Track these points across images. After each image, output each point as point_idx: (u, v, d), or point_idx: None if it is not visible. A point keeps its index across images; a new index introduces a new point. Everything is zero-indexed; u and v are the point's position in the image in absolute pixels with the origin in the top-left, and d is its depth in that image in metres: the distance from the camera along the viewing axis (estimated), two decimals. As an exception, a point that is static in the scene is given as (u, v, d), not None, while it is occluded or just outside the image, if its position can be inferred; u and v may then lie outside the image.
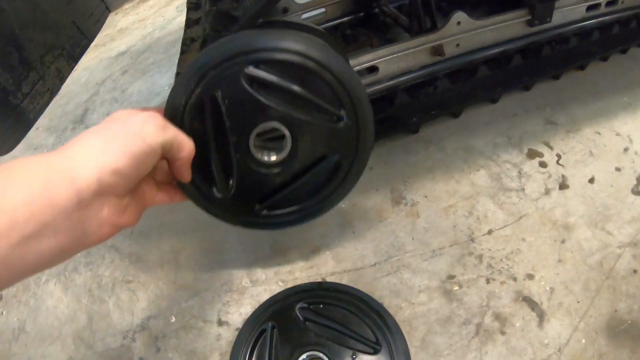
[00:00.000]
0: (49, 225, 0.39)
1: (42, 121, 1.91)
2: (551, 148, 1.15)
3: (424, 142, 1.21)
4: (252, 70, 0.61)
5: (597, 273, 0.90)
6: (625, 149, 1.13)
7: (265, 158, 0.69)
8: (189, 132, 0.60)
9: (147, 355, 0.93)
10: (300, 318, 0.84)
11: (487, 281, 0.90)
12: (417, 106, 1.17)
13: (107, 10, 1.48)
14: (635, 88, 1.32)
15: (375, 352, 0.79)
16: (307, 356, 0.80)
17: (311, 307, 0.86)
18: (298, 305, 0.86)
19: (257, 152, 0.68)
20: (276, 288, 0.95)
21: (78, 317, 1.04)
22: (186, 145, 0.57)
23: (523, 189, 1.06)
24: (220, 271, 1.02)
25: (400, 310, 0.87)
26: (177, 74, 0.94)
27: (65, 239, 0.41)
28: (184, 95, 0.61)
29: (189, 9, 1.27)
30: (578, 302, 0.86)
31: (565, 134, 1.18)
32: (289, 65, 0.62)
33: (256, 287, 0.97)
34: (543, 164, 1.11)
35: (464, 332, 0.84)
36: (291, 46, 0.61)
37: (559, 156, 1.13)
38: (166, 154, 0.55)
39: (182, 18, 2.30)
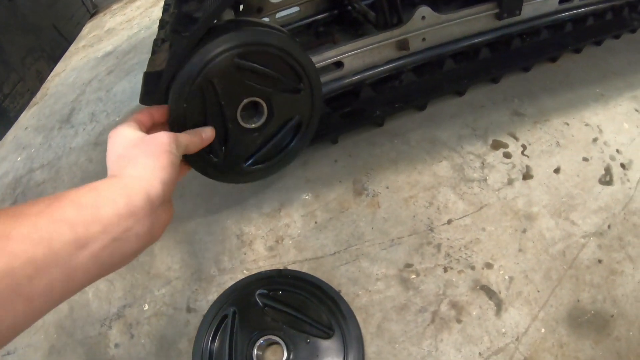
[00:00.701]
0: (132, 229, 0.49)
1: (31, 121, 1.95)
2: (517, 139, 1.15)
3: (389, 134, 1.21)
4: (238, 60, 0.78)
5: (560, 263, 0.90)
6: (595, 140, 1.14)
7: (250, 125, 0.86)
8: (194, 112, 0.78)
9: (122, 341, 0.96)
10: (260, 304, 0.87)
11: (445, 270, 0.91)
12: (382, 99, 1.18)
13: (88, 12, 1.50)
14: (608, 79, 1.33)
15: (328, 336, 0.81)
16: (264, 340, 0.83)
17: (270, 293, 0.89)
18: (258, 292, 0.89)
19: (243, 122, 0.85)
20: (241, 276, 0.98)
21: (60, 307, 1.07)
22: (200, 139, 0.74)
23: (485, 180, 1.07)
24: (191, 261, 1.05)
25: (357, 298, 0.89)
26: (146, 73, 0.96)
27: (142, 240, 0.51)
28: (187, 86, 0.76)
29: (164, 10, 1.29)
30: (538, 291, 0.86)
31: (532, 125, 1.19)
32: (264, 54, 0.80)
33: (223, 275, 0.99)
34: (507, 155, 1.12)
35: (419, 319, 0.85)
36: (267, 40, 0.80)
37: (524, 147, 1.13)
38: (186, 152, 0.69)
39: None
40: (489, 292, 0.87)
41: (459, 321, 0.84)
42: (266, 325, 0.84)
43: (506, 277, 0.89)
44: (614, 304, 0.84)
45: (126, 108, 1.78)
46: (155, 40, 1.10)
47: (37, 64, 1.07)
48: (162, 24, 1.19)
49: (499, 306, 0.85)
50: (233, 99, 0.82)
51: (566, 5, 1.33)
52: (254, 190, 1.15)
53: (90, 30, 2.83)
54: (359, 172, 1.13)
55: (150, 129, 0.71)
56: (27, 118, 2.03)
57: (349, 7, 1.38)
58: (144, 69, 1.93)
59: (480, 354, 0.79)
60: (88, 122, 1.80)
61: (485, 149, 1.13)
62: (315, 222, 1.04)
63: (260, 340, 0.83)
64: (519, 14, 1.24)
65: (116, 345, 0.95)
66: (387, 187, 1.08)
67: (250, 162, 0.92)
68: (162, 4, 2.65)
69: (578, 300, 0.85)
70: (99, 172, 1.49)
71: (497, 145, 1.14)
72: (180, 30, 0.87)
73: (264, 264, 0.99)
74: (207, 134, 0.76)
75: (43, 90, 2.19)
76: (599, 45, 1.44)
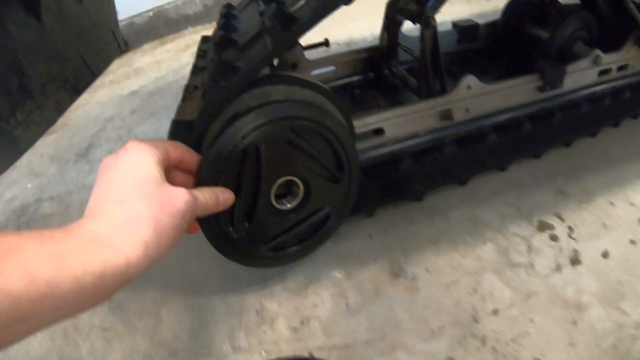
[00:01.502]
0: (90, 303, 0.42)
1: (47, 149, 1.90)
2: (562, 220, 1.06)
3: (428, 210, 1.13)
4: (292, 134, 0.74)
5: (611, 357, 0.79)
6: None
7: (281, 206, 0.82)
8: (228, 175, 0.72)
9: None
10: None
11: None
12: (423, 172, 1.10)
13: (119, 48, 1.45)
14: None
15: None
16: None
17: None
18: None
19: (275, 199, 0.80)
20: (258, 358, 0.86)
21: (49, 358, 0.98)
22: (215, 202, 0.63)
23: (532, 265, 0.97)
24: (201, 331, 0.94)
25: None
26: (174, 121, 0.89)
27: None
28: (232, 142, 0.70)
29: (197, 56, 1.24)
30: None
31: (577, 205, 1.10)
32: (318, 136, 0.77)
33: (237, 354, 0.88)
34: (554, 237, 1.02)
35: None
36: (324, 121, 0.76)
37: (570, 229, 1.04)
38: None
39: None
40: None
41: None
42: None
43: None
44: None
45: None
46: (187, 87, 1.05)
47: (58, 93, 1.00)
48: (196, 70, 1.14)
49: None
50: (273, 173, 0.77)
51: (605, 77, 1.28)
52: None
53: (118, 67, 2.84)
54: (396, 250, 1.03)
55: (164, 166, 0.59)
56: (44, 145, 1.98)
57: (387, 71, 1.33)
58: (169, 113, 1.86)
59: None
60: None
61: (531, 230, 1.04)
62: (347, 304, 0.93)
63: None
64: (561, 86, 1.19)
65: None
66: (427, 270, 0.97)
67: (269, 245, 0.87)
68: (192, 49, 2.69)
69: None
70: None
71: (543, 226, 1.05)
72: (219, 78, 0.80)
73: (286, 347, 0.88)
74: (226, 198, 0.66)
75: (64, 119, 2.18)
76: (635, 119, 1.39)
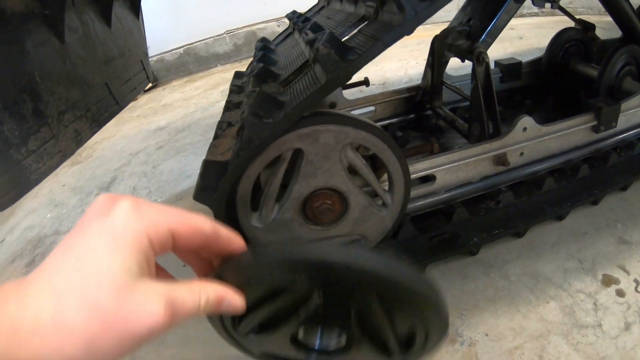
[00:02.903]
0: None
1: (70, 180, 1.87)
2: (627, 272, 0.93)
3: (484, 266, 0.99)
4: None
5: None
6: None
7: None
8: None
9: None
10: None
11: None
12: (477, 223, 0.98)
13: (147, 79, 1.37)
14: None
15: None
16: None
17: None
18: None
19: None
20: None
21: None
22: (225, 306, 0.38)
23: (600, 325, 0.83)
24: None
25: None
26: (205, 161, 0.78)
27: None
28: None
29: (231, 92, 1.15)
30: None
31: None
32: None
33: None
34: (620, 293, 0.89)
35: None
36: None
37: (637, 282, 0.91)
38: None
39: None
40: None
41: None
42: None
43: None
44: None
45: (171, 190, 1.63)
46: (220, 123, 0.96)
47: (77, 123, 0.89)
48: (229, 106, 1.06)
49: None
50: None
51: None
52: None
53: (146, 102, 2.83)
54: (451, 312, 0.88)
55: (160, 252, 0.40)
56: (67, 175, 1.96)
57: (430, 112, 1.24)
58: (196, 150, 1.75)
59: None
60: (132, 195, 1.60)
61: (596, 286, 0.90)
62: None
63: None
64: (615, 125, 1.08)
65: None
66: (486, 334, 0.84)
67: None
68: (222, 87, 2.66)
69: None
70: None
71: (608, 281, 0.91)
72: (261, 114, 0.68)
73: None
74: (234, 305, 0.39)
75: (89, 151, 2.18)
76: None
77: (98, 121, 1.01)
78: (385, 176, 0.82)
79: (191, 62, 3.19)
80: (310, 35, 0.88)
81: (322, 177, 0.74)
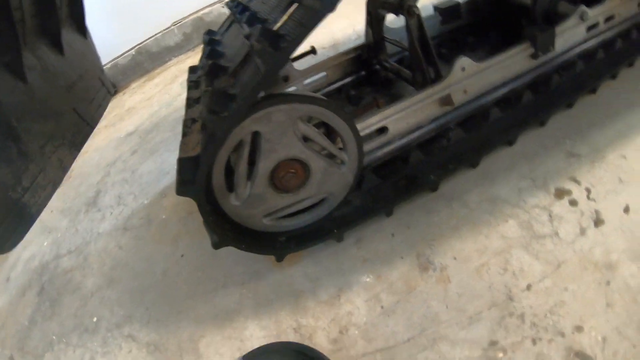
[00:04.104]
0: None
1: (56, 204, 1.92)
2: (578, 183, 1.08)
3: (446, 199, 1.14)
4: None
5: None
6: None
7: None
8: None
9: None
10: None
11: (534, 342, 0.82)
12: (433, 162, 1.12)
13: (109, 94, 1.47)
14: None
15: None
16: None
17: None
18: None
19: None
20: None
21: None
22: None
23: (557, 233, 0.98)
24: (243, 359, 0.98)
25: None
26: (180, 159, 0.90)
27: None
28: None
29: (189, 88, 1.25)
30: (634, 346, 0.78)
31: (590, 164, 1.12)
32: None
33: (283, 376, 0.91)
34: (573, 202, 1.04)
35: None
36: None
37: (588, 190, 1.05)
38: None
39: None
40: (585, 358, 0.78)
41: None
42: None
43: (599, 338, 0.80)
44: None
45: (154, 189, 1.73)
46: (185, 121, 1.07)
47: (59, 152, 1.03)
48: (190, 102, 1.16)
49: None
50: None
51: (594, 31, 1.30)
52: (307, 277, 1.07)
53: (111, 110, 2.85)
54: (421, 244, 1.05)
55: None
56: (52, 200, 1.87)
57: (377, 67, 1.36)
58: (169, 147, 1.86)
59: None
60: (115, 205, 1.77)
61: (550, 199, 1.05)
62: (382, 307, 0.95)
63: None
64: (554, 49, 1.21)
65: None
66: (455, 258, 0.99)
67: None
68: (180, 79, 2.73)
69: None
70: (129, 260, 1.43)
71: (560, 193, 1.06)
72: (217, 110, 0.81)
73: None
74: None
75: (68, 172, 2.21)
76: (632, 67, 1.39)
77: (75, 145, 1.13)
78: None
79: (145, 60, 3.24)
80: (246, 29, 0.99)
81: (281, 150, 0.88)
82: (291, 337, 0.97)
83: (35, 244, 1.72)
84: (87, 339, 1.27)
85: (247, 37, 0.94)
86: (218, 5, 3.15)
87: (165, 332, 1.14)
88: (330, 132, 0.94)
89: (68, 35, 1.29)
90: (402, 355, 0.87)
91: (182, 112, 2.16)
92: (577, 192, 1.06)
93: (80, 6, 1.36)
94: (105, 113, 2.89)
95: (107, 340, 1.22)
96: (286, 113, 0.84)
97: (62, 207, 1.89)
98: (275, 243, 1.04)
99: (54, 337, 1.32)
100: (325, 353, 0.91)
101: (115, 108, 2.81)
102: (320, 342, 0.93)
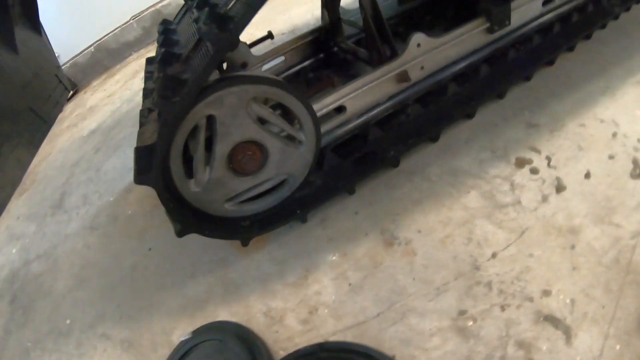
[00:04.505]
0: None
1: (22, 209, 1.91)
2: (539, 152, 1.12)
3: (407, 173, 1.18)
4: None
5: (616, 271, 0.87)
6: (614, 134, 1.12)
7: None
8: None
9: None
10: None
11: (502, 308, 0.85)
12: (393, 138, 1.15)
13: (66, 90, 1.46)
14: (608, 70, 1.34)
15: None
16: None
17: None
18: None
19: None
20: (276, 358, 0.91)
21: None
22: None
23: (519, 202, 1.02)
24: (217, 347, 1.00)
25: None
26: (136, 149, 0.90)
27: None
28: None
29: (146, 79, 1.26)
30: (603, 307, 0.82)
31: (549, 133, 1.16)
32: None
33: None
34: (534, 170, 1.08)
35: None
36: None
37: (548, 158, 1.10)
38: None
39: None
40: (554, 321, 0.82)
41: None
42: None
43: (567, 301, 0.84)
44: None
45: (119, 186, 1.73)
46: (142, 111, 1.08)
47: (16, 151, 1.04)
48: (146, 92, 1.16)
49: (568, 333, 0.80)
50: None
51: (549, 6, 1.34)
52: (273, 261, 1.09)
53: (72, 110, 2.84)
54: (385, 220, 1.08)
55: None
56: (18, 206, 1.98)
57: (335, 49, 1.38)
58: (132, 142, 1.88)
59: None
60: (81, 205, 1.75)
61: (510, 169, 1.09)
62: (349, 284, 0.98)
63: None
64: (509, 24, 1.24)
65: None
66: (419, 231, 1.02)
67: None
68: (141, 74, 2.70)
69: None
70: (98, 259, 1.44)
71: (521, 162, 1.10)
72: (168, 95, 0.82)
73: (301, 340, 0.92)
74: None
75: (31, 176, 2.19)
76: (589, 39, 1.46)
77: (34, 143, 1.13)
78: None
79: (104, 57, 3.22)
80: (196, 14, 1.00)
81: (237, 133, 0.89)
82: (261, 321, 0.98)
83: (3, 254, 1.71)
84: (62, 343, 1.27)
85: (196, 20, 0.94)
86: (174, -3, 3.18)
87: (138, 328, 1.16)
88: (287, 114, 0.95)
89: (21, 32, 1.28)
90: (373, 331, 0.89)
91: (138, 108, 2.18)
92: (538, 161, 1.11)
93: (33, 3, 1.34)
94: (66, 113, 2.93)
95: (82, 341, 1.23)
96: (238, 95, 0.84)
97: (28, 212, 1.87)
98: (239, 228, 1.04)
99: (29, 344, 1.32)
100: (296, 334, 0.94)
101: (77, 107, 2.79)
102: (290, 324, 0.95)
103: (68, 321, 1.33)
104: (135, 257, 1.38)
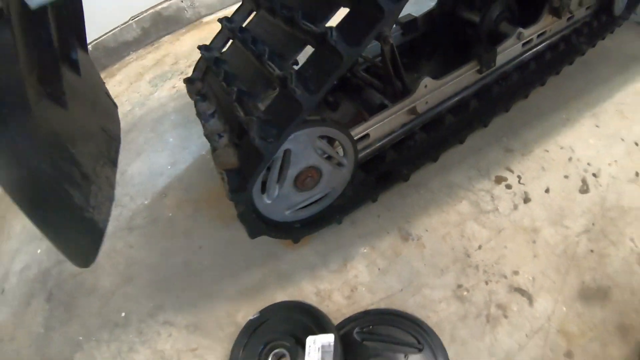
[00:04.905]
0: None
1: None
2: (512, 171, 1.67)
3: (415, 186, 1.69)
4: None
5: (564, 259, 1.39)
6: (570, 159, 1.68)
7: None
8: None
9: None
10: (358, 340, 1.30)
11: (486, 283, 1.37)
12: (404, 159, 1.65)
13: (115, 106, 1.65)
14: (570, 103, 1.90)
15: (420, 350, 1.25)
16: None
17: (364, 329, 1.32)
18: (354, 331, 1.32)
19: None
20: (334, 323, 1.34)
21: None
22: None
23: (497, 209, 1.56)
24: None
25: (429, 318, 1.30)
26: (227, 171, 1.32)
27: None
28: None
29: (196, 102, 1.63)
30: (554, 282, 1.33)
31: (521, 157, 1.72)
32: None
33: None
34: (508, 186, 1.63)
35: (478, 322, 1.29)
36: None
37: (519, 177, 1.65)
38: None
39: (160, 93, 2.88)
40: (521, 291, 1.33)
41: (505, 317, 1.28)
42: (369, 355, 1.28)
43: (530, 278, 1.36)
44: (609, 279, 1.33)
45: (151, 189, 2.07)
46: (211, 135, 1.44)
47: (104, 170, 1.27)
48: (205, 117, 1.53)
49: (530, 300, 1.31)
50: None
51: (528, 46, 1.83)
52: (317, 254, 1.57)
53: None
54: (400, 221, 1.60)
55: None
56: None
57: (349, 75, 1.78)
58: (155, 148, 2.25)
59: (526, 335, 1.24)
60: (112, 207, 1.65)
61: (491, 184, 1.63)
62: (378, 269, 1.48)
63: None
64: (495, 65, 1.73)
65: None
66: (426, 230, 1.54)
67: None
68: (147, 77, 3.07)
69: (583, 282, 1.32)
70: (144, 257, 1.75)
71: (499, 179, 1.65)
72: (266, 137, 1.23)
73: (347, 311, 1.37)
74: None
75: None
76: (559, 74, 1.98)
77: (114, 162, 1.35)
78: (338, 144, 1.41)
79: (102, 56, 3.44)
80: (275, 70, 1.34)
81: (303, 161, 1.33)
82: (314, 300, 1.42)
83: (25, 253, 1.92)
84: (120, 333, 1.53)
85: (282, 79, 1.26)
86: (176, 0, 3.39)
87: (201, 313, 1.49)
88: (330, 141, 1.39)
89: (78, 53, 1.34)
90: (399, 301, 1.37)
91: (161, 112, 2.62)
92: (511, 179, 1.66)
93: (82, 17, 1.41)
94: None
95: (142, 330, 1.50)
96: (309, 134, 1.28)
97: None
98: (293, 229, 1.52)
99: (80, 338, 1.56)
100: (342, 307, 1.40)
101: None
102: (337, 300, 1.41)
103: (123, 314, 1.59)
104: (186, 254, 1.70)
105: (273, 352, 1.31)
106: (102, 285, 1.72)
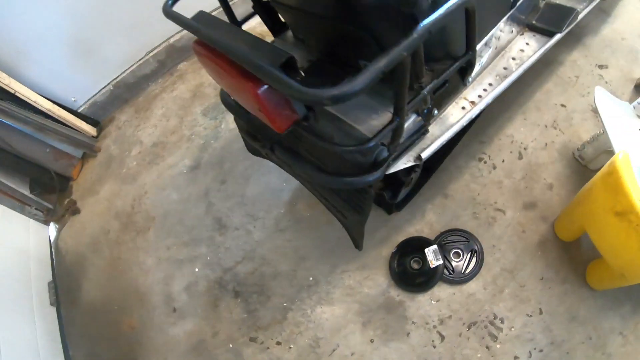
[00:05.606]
0: None
1: (170, 240, 3.34)
2: (485, 153, 3.69)
3: (445, 165, 3.60)
4: None
5: (515, 191, 3.65)
6: (512, 142, 3.80)
7: None
8: None
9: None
10: (442, 244, 3.25)
11: (485, 208, 3.51)
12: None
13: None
14: (511, 106, 3.85)
15: (468, 241, 3.36)
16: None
17: (443, 239, 3.27)
18: (439, 241, 3.23)
19: None
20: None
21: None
22: None
23: (482, 175, 3.64)
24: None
25: (469, 228, 3.53)
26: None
27: None
28: None
29: None
30: (512, 201, 3.58)
31: (488, 145, 3.77)
32: None
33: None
34: (485, 162, 3.59)
35: (483, 223, 3.47)
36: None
37: (489, 156, 3.65)
38: None
39: (226, 125, 3.95)
40: (498, 210, 3.49)
41: (494, 223, 3.57)
42: (448, 249, 3.67)
43: (501, 202, 3.63)
44: (535, 198, 3.53)
45: (280, 201, 3.25)
46: None
47: None
48: None
49: (504, 212, 3.59)
50: None
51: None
52: (409, 213, 3.53)
53: (128, 146, 4.18)
54: (441, 186, 3.66)
55: None
56: (152, 241, 3.38)
57: None
58: (262, 172, 3.64)
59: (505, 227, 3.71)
60: (251, 220, 3.26)
61: (476, 162, 3.66)
62: (446, 196, 3.38)
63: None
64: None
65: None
66: (454, 188, 3.51)
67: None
68: (196, 109, 3.95)
69: (524, 200, 3.56)
70: (305, 243, 2.96)
71: (480, 159, 3.74)
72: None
73: (431, 233, 3.39)
74: None
75: (142, 214, 3.53)
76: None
77: None
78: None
79: (123, 92, 4.51)
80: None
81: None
82: (415, 234, 3.40)
83: (179, 277, 3.01)
84: (314, 290, 2.68)
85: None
86: (185, 31, 3.95)
87: (362, 259, 3.00)
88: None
89: None
90: (461, 221, 3.35)
91: (239, 143, 3.41)
92: (485, 158, 3.61)
93: None
94: (117, 150, 4.15)
95: (331, 281, 2.71)
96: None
97: (179, 242, 3.31)
98: (392, 207, 3.23)
99: (285, 304, 2.61)
100: (429, 234, 3.35)
101: (134, 145, 4.17)
102: (426, 232, 3.40)
103: (311, 278, 2.76)
104: (337, 234, 2.92)
105: (412, 259, 3.03)
106: (283, 270, 2.89)
